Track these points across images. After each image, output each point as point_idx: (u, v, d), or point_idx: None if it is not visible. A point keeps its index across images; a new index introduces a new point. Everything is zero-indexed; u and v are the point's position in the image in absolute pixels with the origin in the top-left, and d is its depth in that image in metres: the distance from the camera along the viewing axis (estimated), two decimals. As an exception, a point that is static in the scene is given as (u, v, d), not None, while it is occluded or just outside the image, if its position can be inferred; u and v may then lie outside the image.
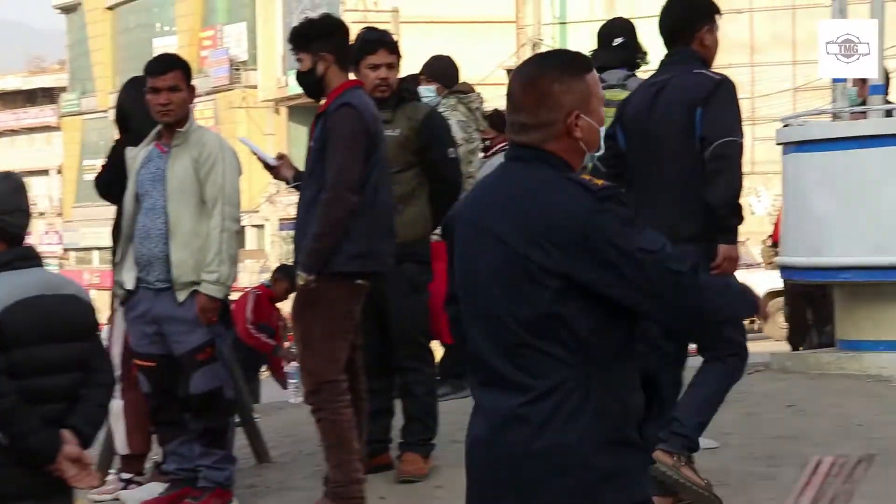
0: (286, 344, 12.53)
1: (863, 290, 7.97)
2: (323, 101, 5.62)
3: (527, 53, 29.48)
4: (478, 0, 32.64)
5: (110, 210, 6.37)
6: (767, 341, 16.51)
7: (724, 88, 5.30)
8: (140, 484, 6.16)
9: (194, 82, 6.07)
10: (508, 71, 30.27)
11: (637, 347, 3.02)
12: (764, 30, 27.93)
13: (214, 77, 45.33)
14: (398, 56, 6.17)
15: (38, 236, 50.59)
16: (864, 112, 8.45)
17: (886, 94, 8.75)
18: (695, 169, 5.26)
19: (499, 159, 9.23)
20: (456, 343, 3.24)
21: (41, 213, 55.04)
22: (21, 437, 4.01)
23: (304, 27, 5.73)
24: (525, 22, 29.63)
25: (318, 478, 5.84)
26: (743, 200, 5.36)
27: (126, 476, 6.26)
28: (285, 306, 11.53)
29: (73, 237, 54.24)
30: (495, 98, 10.11)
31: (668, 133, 5.36)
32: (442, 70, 8.19)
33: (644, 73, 7.16)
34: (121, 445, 6.25)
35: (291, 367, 12.13)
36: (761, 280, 15.72)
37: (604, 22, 7.75)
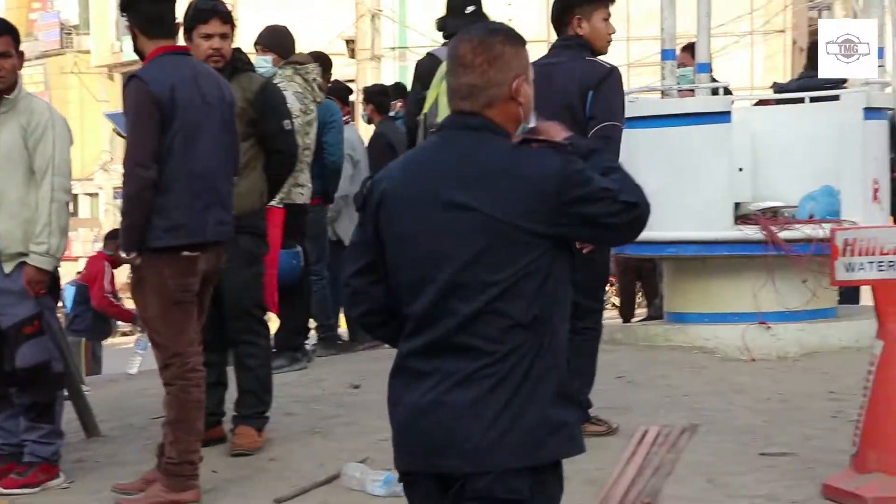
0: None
1: (689, 264, 8.20)
2: None
3: (365, 24, 29.37)
4: (317, -31, 32.43)
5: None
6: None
7: (614, 77, 5.82)
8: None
9: (23, 46, 5.90)
10: (347, 42, 30.18)
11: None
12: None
13: (44, 41, 44.06)
14: (232, 26, 6.09)
15: None
16: (692, 90, 8.66)
17: (711, 72, 8.99)
18: None
19: (347, 131, 9.24)
20: (360, 315, 3.23)
21: None
22: None
23: None
24: (364, -8, 29.52)
25: (149, 451, 5.79)
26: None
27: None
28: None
29: None
30: (335, 68, 10.08)
31: (559, 113, 5.47)
32: (278, 40, 8.10)
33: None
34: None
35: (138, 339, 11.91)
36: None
37: None
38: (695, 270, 8.19)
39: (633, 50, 25.76)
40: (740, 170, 8.29)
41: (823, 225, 7.66)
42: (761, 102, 9.97)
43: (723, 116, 8.02)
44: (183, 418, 5.34)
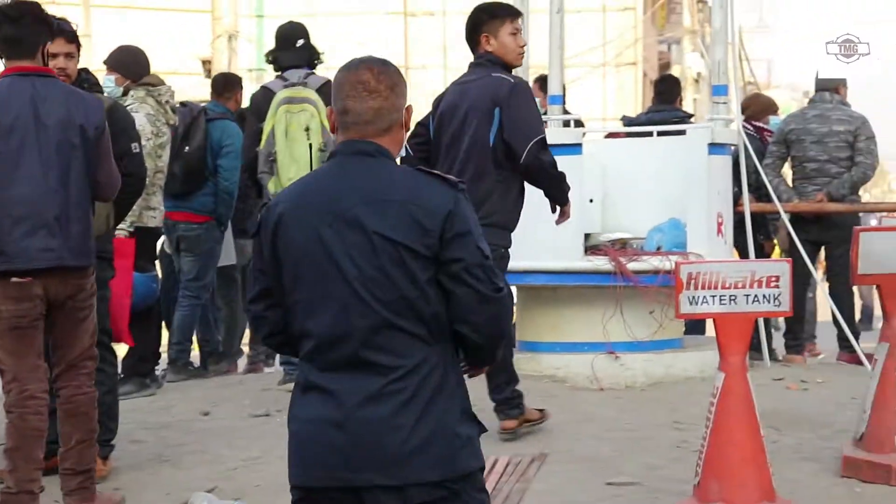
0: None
1: (540, 294, 8.28)
2: None
3: (222, 45, 29.12)
4: (173, -13, 32.11)
5: None
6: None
7: (518, 90, 6.18)
8: None
9: None
10: (203, 62, 29.87)
11: None
12: (458, 31, 28.55)
13: None
14: (78, 45, 6.02)
15: None
16: (545, 122, 8.74)
17: (564, 104, 9.13)
18: (488, 157, 6.18)
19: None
20: (264, 338, 3.38)
21: None
22: None
23: None
24: (221, 13, 29.26)
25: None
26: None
27: None
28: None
29: None
30: (191, 87, 10.00)
31: (471, 127, 6.22)
32: (124, 60, 8.01)
33: (327, 70, 7.60)
34: None
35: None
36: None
37: (283, 23, 8.11)
38: (545, 300, 8.28)
39: (489, 78, 26.03)
40: (591, 201, 8.42)
41: (670, 257, 7.82)
42: (612, 135, 10.15)
43: (574, 148, 8.12)
44: (21, 446, 5.22)
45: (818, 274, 10.49)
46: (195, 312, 8.90)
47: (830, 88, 9.40)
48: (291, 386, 7.70)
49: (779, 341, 9.58)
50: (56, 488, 5.62)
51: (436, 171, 3.26)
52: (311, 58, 7.92)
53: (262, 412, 7.30)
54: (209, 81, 10.40)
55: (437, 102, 6.54)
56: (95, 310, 5.58)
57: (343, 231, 3.15)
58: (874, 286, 6.50)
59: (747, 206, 8.90)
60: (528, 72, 8.89)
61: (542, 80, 10.02)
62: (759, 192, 9.18)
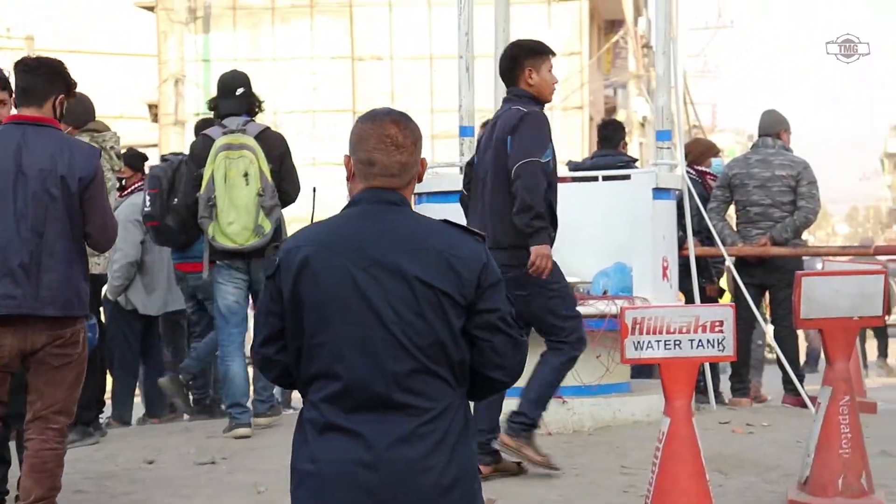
0: None
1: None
2: None
3: (169, 89, 29.07)
4: (119, 32, 31.99)
5: None
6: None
7: (528, 118, 6.44)
8: None
9: None
10: (150, 106, 29.79)
11: None
12: (405, 75, 28.66)
13: None
14: (10, 92, 6.01)
15: None
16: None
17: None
18: (507, 188, 6.42)
19: (137, 198, 9.13)
20: (274, 379, 3.44)
21: None
22: None
23: None
24: (167, 57, 29.23)
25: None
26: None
27: None
28: None
29: None
30: (137, 132, 10.00)
31: (493, 160, 6.55)
32: (69, 107, 7.98)
33: (273, 114, 7.77)
34: None
35: None
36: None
37: (225, 72, 8.24)
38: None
39: (436, 121, 26.13)
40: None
41: (616, 301, 7.85)
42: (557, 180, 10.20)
43: (520, 193, 8.14)
44: None
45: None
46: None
47: (773, 133, 9.52)
48: (241, 432, 7.76)
49: (725, 384, 9.63)
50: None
51: (461, 224, 3.39)
52: (250, 105, 8.08)
53: (208, 460, 7.24)
54: (156, 126, 10.40)
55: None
56: (79, 364, 5.54)
57: (380, 276, 3.23)
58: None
59: (692, 250, 8.97)
60: (476, 115, 8.95)
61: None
62: (700, 235, 9.27)
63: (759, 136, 9.65)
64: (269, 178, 7.80)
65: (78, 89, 8.06)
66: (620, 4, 33.23)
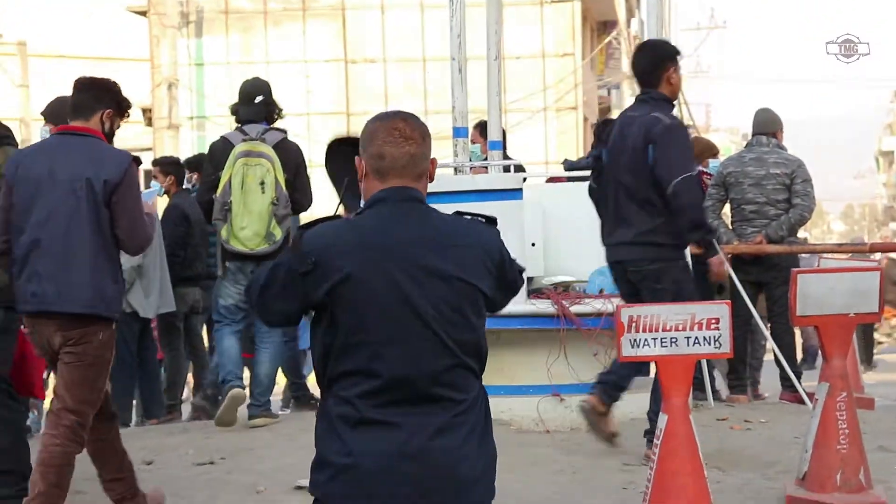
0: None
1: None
2: None
3: (162, 93, 29.05)
4: (111, 37, 31.97)
5: None
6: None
7: (671, 131, 6.61)
8: None
9: None
10: (144, 110, 29.75)
11: None
12: (398, 78, 28.67)
13: None
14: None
15: None
16: (485, 167, 8.82)
17: (504, 150, 9.19)
18: (647, 188, 6.62)
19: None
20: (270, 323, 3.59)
21: None
22: None
23: None
24: (160, 61, 29.21)
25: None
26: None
27: None
28: None
29: None
30: (132, 137, 9.98)
31: (628, 165, 6.69)
32: (61, 112, 7.98)
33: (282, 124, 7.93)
34: None
35: None
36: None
37: (247, 79, 8.36)
38: (490, 344, 8.22)
39: (430, 123, 26.15)
40: (532, 245, 8.47)
41: (612, 299, 7.86)
42: (553, 179, 10.22)
43: (514, 193, 8.18)
44: None
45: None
46: (285, 350, 8.96)
47: (767, 132, 9.54)
48: (260, 422, 7.86)
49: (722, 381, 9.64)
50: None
51: (474, 213, 3.52)
52: (269, 113, 8.27)
53: (206, 460, 7.24)
54: (150, 130, 10.45)
55: (599, 133, 7.53)
56: (93, 366, 5.58)
57: (419, 276, 3.31)
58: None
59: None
60: (469, 117, 8.96)
61: (482, 126, 10.11)
62: (698, 234, 9.26)
63: (754, 134, 9.66)
64: (284, 188, 7.94)
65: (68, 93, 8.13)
66: (613, 5, 33.26)
